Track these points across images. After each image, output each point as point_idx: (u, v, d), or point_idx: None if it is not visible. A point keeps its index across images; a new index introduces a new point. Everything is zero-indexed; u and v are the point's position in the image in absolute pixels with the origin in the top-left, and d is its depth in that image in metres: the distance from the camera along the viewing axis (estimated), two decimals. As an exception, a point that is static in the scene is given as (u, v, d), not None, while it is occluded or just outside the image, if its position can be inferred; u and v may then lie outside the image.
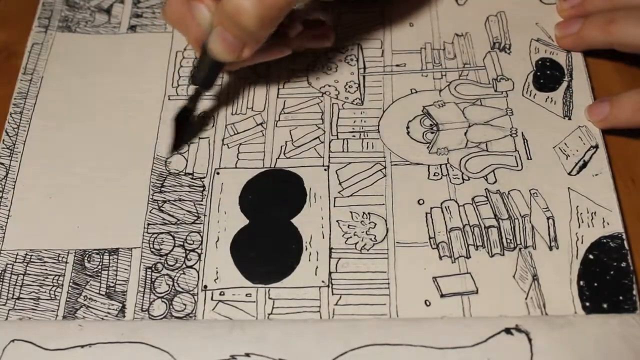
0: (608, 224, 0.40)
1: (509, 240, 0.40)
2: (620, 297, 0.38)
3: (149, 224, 0.42)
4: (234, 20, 0.39)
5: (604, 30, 0.44)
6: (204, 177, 0.44)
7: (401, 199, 0.42)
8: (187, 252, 0.41)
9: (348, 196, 0.42)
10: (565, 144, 0.43)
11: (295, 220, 0.42)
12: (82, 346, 0.38)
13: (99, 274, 0.41)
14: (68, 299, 0.40)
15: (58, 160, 0.45)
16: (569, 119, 0.44)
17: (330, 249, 0.41)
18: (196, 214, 0.42)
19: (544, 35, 0.48)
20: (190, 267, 0.41)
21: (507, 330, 0.37)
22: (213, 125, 0.46)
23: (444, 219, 0.41)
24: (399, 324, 0.38)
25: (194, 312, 0.39)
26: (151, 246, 0.41)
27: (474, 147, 0.44)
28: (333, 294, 0.39)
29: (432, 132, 0.45)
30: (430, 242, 0.40)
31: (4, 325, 0.39)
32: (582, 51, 0.47)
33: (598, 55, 0.47)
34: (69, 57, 0.50)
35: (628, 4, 0.45)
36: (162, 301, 0.40)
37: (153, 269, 0.41)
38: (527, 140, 0.44)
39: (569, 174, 0.42)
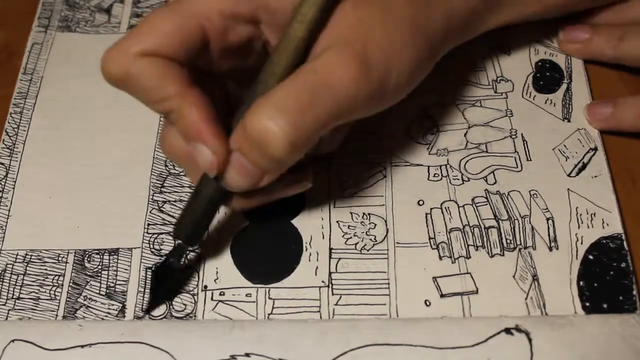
0: (607, 225, 0.40)
1: (508, 241, 0.40)
2: (620, 297, 0.38)
3: (149, 224, 0.42)
4: (258, 146, 0.32)
5: (614, 47, 0.44)
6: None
7: (401, 199, 0.42)
8: (188, 252, 0.41)
9: (348, 197, 0.42)
10: (565, 146, 0.43)
11: (295, 221, 0.42)
12: (82, 346, 0.38)
13: (99, 274, 0.41)
14: (68, 299, 0.40)
15: (58, 160, 0.45)
16: (569, 121, 0.44)
17: (330, 249, 0.41)
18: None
19: (543, 37, 0.48)
20: (191, 267, 0.41)
21: (507, 330, 0.37)
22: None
23: (444, 219, 0.41)
24: (399, 324, 0.38)
25: (194, 312, 0.39)
26: (151, 246, 0.41)
27: (474, 148, 0.44)
28: (333, 294, 0.39)
29: (431, 133, 0.45)
30: (430, 242, 0.41)
31: (4, 325, 0.39)
32: (584, 59, 0.47)
33: (598, 58, 0.47)
34: (69, 57, 0.50)
35: (638, 19, 0.45)
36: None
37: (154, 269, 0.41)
38: (526, 142, 0.44)
39: (569, 175, 0.42)
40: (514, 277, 0.39)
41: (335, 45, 0.33)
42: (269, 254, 0.41)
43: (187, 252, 0.41)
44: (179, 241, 0.39)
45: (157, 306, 0.39)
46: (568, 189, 0.42)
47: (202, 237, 0.39)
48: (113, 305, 0.40)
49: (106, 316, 0.39)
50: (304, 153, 0.34)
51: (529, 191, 0.42)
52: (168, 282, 0.40)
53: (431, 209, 0.42)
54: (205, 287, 0.40)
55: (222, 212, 0.42)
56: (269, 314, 0.39)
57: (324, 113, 0.32)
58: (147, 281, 0.40)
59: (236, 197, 0.37)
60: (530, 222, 0.41)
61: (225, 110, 0.36)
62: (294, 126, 0.31)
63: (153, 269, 0.40)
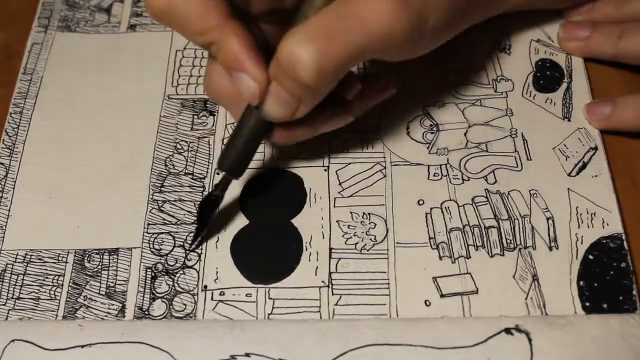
0: (608, 224, 0.40)
1: (508, 241, 0.40)
2: (620, 297, 0.38)
3: (149, 224, 0.42)
4: (290, 73, 0.34)
5: (614, 44, 0.44)
6: (204, 177, 0.44)
7: (401, 199, 0.42)
8: (187, 252, 0.41)
9: (348, 196, 0.42)
10: (565, 145, 0.43)
11: (295, 221, 0.42)
12: (82, 346, 0.38)
13: (99, 274, 0.41)
14: (68, 299, 0.40)
15: (58, 160, 0.45)
16: (569, 120, 0.44)
17: (330, 249, 0.41)
18: (196, 214, 0.42)
19: (543, 36, 0.48)
20: (190, 267, 0.41)
21: (507, 330, 0.37)
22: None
23: (444, 219, 0.41)
24: (399, 324, 0.38)
25: (194, 312, 0.39)
26: (151, 246, 0.41)
27: (474, 148, 0.44)
28: (333, 294, 0.39)
29: (432, 133, 0.45)
30: (430, 242, 0.41)
31: (4, 325, 0.39)
32: (584, 58, 0.47)
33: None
34: (69, 56, 0.50)
35: (638, 15, 0.45)
36: (162, 301, 0.40)
37: (154, 269, 0.41)
38: (526, 141, 0.44)
39: (569, 175, 0.42)
40: (514, 277, 0.39)
41: None
42: (269, 254, 0.41)
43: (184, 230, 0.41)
44: (223, 173, 0.40)
45: (204, 241, 0.41)
46: (568, 188, 0.42)
47: (246, 169, 0.40)
48: (113, 305, 0.40)
49: (106, 316, 0.39)
50: (335, 82, 0.35)
51: (529, 191, 0.42)
52: (212, 215, 0.41)
53: (431, 208, 0.42)
54: (205, 287, 0.40)
55: (221, 212, 0.42)
56: (269, 314, 0.39)
57: (354, 43, 0.33)
58: (147, 281, 0.40)
59: (278, 130, 0.39)
60: (530, 222, 0.41)
61: (265, 57, 0.36)
62: (322, 53, 0.33)
63: (199, 203, 0.42)
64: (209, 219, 0.41)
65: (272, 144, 0.42)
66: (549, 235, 0.40)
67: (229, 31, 0.35)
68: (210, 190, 0.41)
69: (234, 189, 0.43)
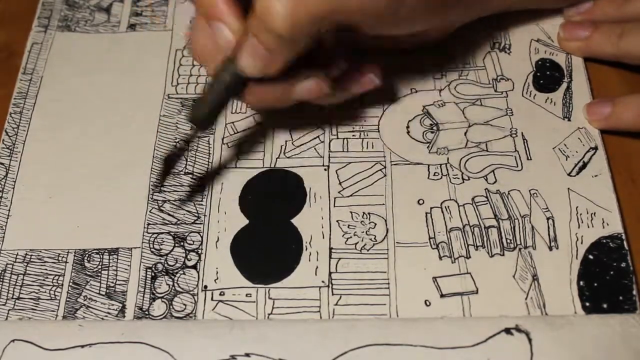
0: (608, 224, 0.40)
1: (508, 241, 0.40)
2: (620, 297, 0.38)
3: (149, 224, 0.42)
4: (264, 23, 0.35)
5: (614, 44, 0.44)
6: (204, 177, 0.44)
7: (401, 199, 0.42)
8: (187, 252, 0.41)
9: (348, 196, 0.42)
10: (565, 145, 0.43)
11: (295, 220, 0.42)
12: (82, 346, 0.38)
13: (99, 274, 0.41)
14: (68, 299, 0.40)
15: (58, 160, 0.45)
16: (569, 120, 0.44)
17: (330, 249, 0.41)
18: (196, 214, 0.42)
19: (544, 35, 0.48)
20: (191, 267, 0.41)
21: (507, 330, 0.37)
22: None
23: (444, 219, 0.41)
24: (399, 324, 0.38)
25: (194, 312, 0.39)
26: (151, 246, 0.41)
27: (474, 147, 0.44)
28: (333, 294, 0.39)
29: (432, 132, 0.45)
30: (430, 242, 0.40)
31: (4, 325, 0.39)
32: (584, 57, 0.47)
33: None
34: (69, 56, 0.50)
35: (638, 15, 0.45)
36: (162, 301, 0.40)
37: (154, 269, 0.41)
38: (527, 141, 0.44)
39: (569, 174, 0.42)
40: (514, 277, 0.39)
41: None
42: (269, 254, 0.41)
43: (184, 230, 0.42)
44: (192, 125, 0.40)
45: (163, 182, 0.43)
46: (568, 188, 0.42)
47: (214, 123, 0.41)
48: (113, 305, 0.40)
49: (106, 316, 0.39)
50: (309, 37, 0.36)
51: (529, 190, 0.42)
52: (176, 164, 0.43)
53: (431, 208, 0.42)
54: (205, 287, 0.40)
55: (222, 212, 0.42)
56: (269, 314, 0.39)
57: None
58: (147, 281, 0.40)
59: (251, 89, 0.39)
60: (530, 222, 0.41)
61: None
62: (296, 3, 0.34)
63: (165, 154, 0.43)
64: (170, 169, 0.43)
65: (246, 104, 0.43)
66: (549, 235, 0.40)
67: None
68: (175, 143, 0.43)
69: (234, 189, 0.43)
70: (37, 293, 0.40)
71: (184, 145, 0.42)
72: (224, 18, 0.37)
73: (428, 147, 0.44)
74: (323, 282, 0.40)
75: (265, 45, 0.36)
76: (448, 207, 0.42)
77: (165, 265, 0.41)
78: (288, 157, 0.44)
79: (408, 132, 0.45)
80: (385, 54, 0.45)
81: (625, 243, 0.39)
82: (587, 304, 0.38)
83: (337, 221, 0.42)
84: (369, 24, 0.37)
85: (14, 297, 0.40)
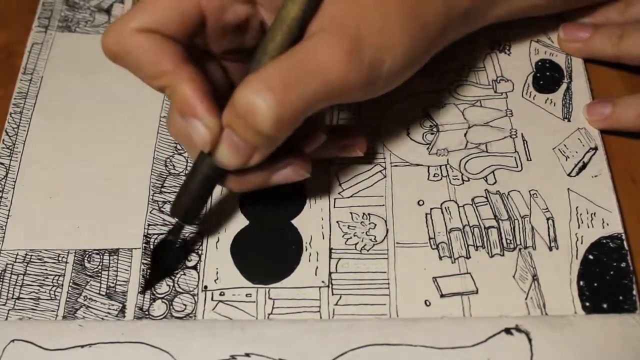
0: (608, 224, 0.40)
1: (508, 241, 0.40)
2: (620, 297, 0.38)
3: (149, 225, 0.42)
4: (246, 121, 0.33)
5: (614, 45, 0.44)
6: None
7: (401, 199, 0.42)
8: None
9: (348, 197, 0.42)
10: (565, 146, 0.43)
11: (295, 221, 0.42)
12: (82, 346, 0.38)
13: (99, 274, 0.41)
14: (68, 299, 0.40)
15: (58, 160, 0.45)
16: (569, 120, 0.44)
17: (330, 249, 0.41)
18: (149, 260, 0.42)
19: (544, 36, 0.48)
20: (191, 267, 0.41)
21: (507, 330, 0.37)
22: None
23: (444, 219, 0.41)
24: (399, 324, 0.38)
25: (194, 312, 0.39)
26: (151, 247, 0.41)
27: (474, 148, 0.44)
28: (333, 294, 0.39)
29: (431, 133, 0.45)
30: (430, 242, 0.41)
31: (4, 325, 0.39)
32: (584, 58, 0.47)
33: (598, 57, 0.47)
34: (69, 57, 0.50)
35: (638, 16, 0.45)
36: (163, 301, 0.40)
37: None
38: (526, 142, 0.44)
39: (569, 175, 0.42)
40: (514, 277, 0.39)
41: (327, 28, 0.34)
42: (269, 254, 0.41)
43: (185, 231, 0.41)
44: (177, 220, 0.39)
45: (154, 284, 0.40)
46: (568, 188, 0.42)
47: (199, 215, 0.40)
48: (113, 305, 0.40)
49: (106, 316, 0.39)
50: (291, 130, 0.34)
51: (529, 191, 0.42)
52: (166, 260, 0.40)
53: (431, 209, 0.42)
54: (205, 287, 0.40)
55: (221, 212, 0.42)
56: (269, 314, 0.39)
57: (310, 93, 0.33)
58: (146, 281, 0.40)
59: (232, 177, 0.38)
60: (530, 222, 0.41)
61: (229, 93, 0.36)
62: (280, 102, 0.32)
63: (151, 248, 0.41)
64: (161, 263, 0.40)
65: (227, 188, 0.41)
66: (549, 235, 0.40)
67: (182, 76, 0.34)
68: (163, 237, 0.41)
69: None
70: (37, 293, 0.40)
71: (172, 239, 0.40)
72: (199, 114, 0.34)
73: (428, 148, 0.44)
74: (323, 282, 0.40)
75: (246, 142, 0.34)
76: (448, 207, 0.42)
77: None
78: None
79: (408, 134, 0.45)
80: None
81: (625, 243, 0.39)
82: (587, 304, 0.38)
83: (337, 222, 0.42)
84: (352, 99, 0.36)
85: (14, 297, 0.40)
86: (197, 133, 0.35)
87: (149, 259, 0.41)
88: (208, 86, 0.35)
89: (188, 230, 0.42)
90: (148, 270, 0.40)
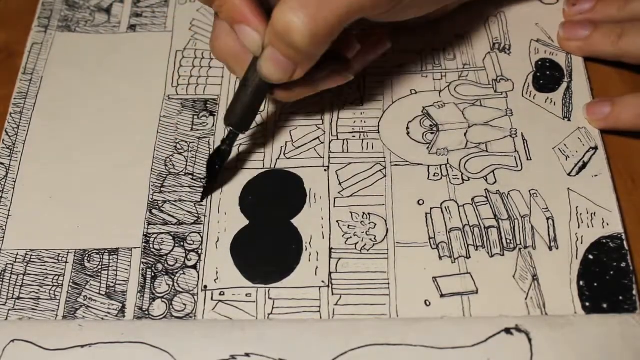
0: (608, 224, 0.40)
1: (508, 241, 0.40)
2: (620, 297, 0.38)
3: (149, 224, 0.42)
4: (284, 39, 0.36)
5: (614, 43, 0.44)
6: (204, 178, 0.44)
7: (401, 199, 0.42)
8: (187, 252, 0.41)
9: (348, 196, 0.42)
10: (565, 145, 0.43)
11: (295, 221, 0.42)
12: (82, 346, 0.38)
13: (99, 274, 0.41)
14: (68, 299, 0.40)
15: (58, 160, 0.45)
16: (569, 120, 0.44)
17: (330, 249, 0.41)
18: (196, 215, 0.42)
19: (544, 35, 0.48)
20: (191, 267, 0.41)
21: (507, 330, 0.37)
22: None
23: (444, 219, 0.41)
24: (399, 324, 0.38)
25: (194, 312, 0.39)
26: (151, 246, 0.41)
27: (474, 148, 0.44)
28: (333, 294, 0.39)
29: (432, 133, 0.45)
30: (430, 242, 0.40)
31: (4, 325, 0.39)
32: (584, 57, 0.47)
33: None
34: (69, 56, 0.50)
35: (639, 15, 0.45)
36: (162, 301, 0.40)
37: (154, 269, 0.41)
38: (526, 141, 0.44)
39: (569, 174, 0.42)
40: (514, 277, 0.39)
41: None
42: (269, 254, 0.41)
43: (185, 231, 0.41)
44: (231, 128, 0.42)
45: (212, 192, 0.43)
46: (568, 188, 0.42)
47: (252, 123, 0.42)
48: (113, 305, 0.40)
49: (106, 316, 0.39)
50: (328, 44, 0.37)
51: (529, 191, 0.42)
52: (221, 168, 0.43)
53: (431, 208, 0.42)
54: (205, 287, 0.40)
55: (222, 213, 0.42)
56: (269, 314, 0.39)
57: (343, 6, 0.36)
58: (147, 282, 0.40)
59: (280, 88, 0.41)
60: (530, 222, 0.41)
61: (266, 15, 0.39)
62: (314, 18, 0.35)
63: (208, 158, 0.43)
64: (217, 172, 0.43)
65: (275, 100, 0.44)
66: (549, 235, 0.40)
67: None
68: (217, 145, 0.43)
69: (235, 190, 0.43)
70: (37, 293, 0.40)
71: (226, 147, 0.42)
72: (249, 19, 0.37)
73: (428, 147, 0.44)
74: (323, 282, 0.40)
75: (287, 57, 0.37)
76: (448, 207, 0.42)
77: (165, 265, 0.41)
78: (288, 158, 0.44)
79: (408, 133, 0.45)
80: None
81: (625, 243, 0.39)
82: (587, 304, 0.38)
83: (337, 221, 0.42)
84: (381, 15, 0.39)
85: (14, 297, 0.40)
86: (248, 37, 0.38)
87: (205, 170, 0.43)
88: None
89: (187, 230, 0.42)
90: (205, 180, 0.43)
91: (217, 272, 0.40)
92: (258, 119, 0.46)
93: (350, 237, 0.41)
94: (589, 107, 0.44)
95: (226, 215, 0.42)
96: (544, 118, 0.45)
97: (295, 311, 0.39)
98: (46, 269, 0.41)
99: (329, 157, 0.44)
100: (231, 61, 0.42)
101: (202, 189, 0.43)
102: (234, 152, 0.44)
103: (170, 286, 0.40)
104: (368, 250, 0.40)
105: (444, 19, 0.48)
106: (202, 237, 0.41)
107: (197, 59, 0.49)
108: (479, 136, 0.44)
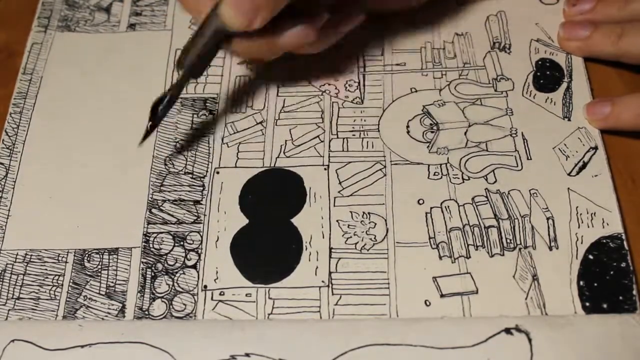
0: (608, 224, 0.40)
1: (508, 240, 0.40)
2: (620, 297, 0.38)
3: (148, 224, 0.42)
4: None
5: (614, 43, 0.44)
6: (203, 177, 0.44)
7: (401, 198, 0.42)
8: (187, 252, 0.41)
9: (348, 196, 0.42)
10: (565, 145, 0.43)
11: (295, 220, 0.42)
12: (82, 346, 0.38)
13: (99, 274, 0.41)
14: (68, 299, 0.40)
15: (58, 160, 0.45)
16: (569, 120, 0.44)
17: (330, 248, 0.41)
18: (196, 214, 0.42)
19: (544, 35, 0.48)
20: (190, 267, 0.41)
21: (507, 330, 0.37)
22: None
23: (444, 218, 0.41)
24: (399, 324, 0.38)
25: (194, 312, 0.39)
26: (151, 246, 0.41)
27: (474, 147, 0.44)
28: (333, 294, 0.39)
29: (432, 132, 0.45)
30: (430, 242, 0.40)
31: (4, 325, 0.39)
32: (584, 57, 0.47)
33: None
34: (69, 56, 0.50)
35: (639, 15, 0.45)
36: (162, 301, 0.40)
37: (154, 268, 0.41)
38: (527, 141, 0.44)
39: (569, 174, 0.42)
40: (514, 277, 0.39)
41: None
42: (269, 253, 0.41)
43: (185, 230, 0.41)
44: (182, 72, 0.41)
45: (148, 136, 0.43)
46: (568, 188, 0.42)
47: (204, 70, 0.42)
48: (113, 305, 0.40)
49: (106, 316, 0.39)
50: None
51: (529, 190, 0.42)
52: (165, 113, 0.42)
53: (431, 208, 0.42)
54: (205, 287, 0.40)
55: (222, 212, 0.42)
56: (269, 314, 0.39)
57: None
58: (147, 281, 0.40)
59: (238, 39, 0.40)
60: (530, 222, 0.41)
61: None
62: None
63: (154, 102, 0.42)
64: (161, 117, 0.43)
65: (232, 54, 0.43)
66: (549, 235, 0.40)
67: None
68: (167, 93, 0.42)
69: (234, 189, 0.43)
70: (37, 293, 0.40)
71: (174, 92, 0.42)
72: None
73: (428, 146, 0.44)
74: (323, 282, 0.40)
75: (250, 1, 0.37)
76: (448, 206, 0.42)
77: (165, 264, 0.41)
78: (288, 157, 0.44)
79: (408, 132, 0.45)
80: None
81: (625, 243, 0.39)
82: (587, 304, 0.38)
83: (337, 221, 0.42)
84: None
85: (14, 297, 0.40)
86: None
87: (150, 113, 0.42)
88: None
89: (187, 229, 0.42)
90: (149, 124, 0.42)
91: (217, 272, 0.40)
92: (258, 117, 0.46)
93: (350, 237, 0.41)
94: (589, 107, 0.44)
95: (226, 214, 0.42)
96: (544, 118, 0.44)
97: (295, 311, 0.39)
98: (46, 269, 0.41)
99: (329, 156, 0.44)
100: (198, 13, 0.41)
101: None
102: (234, 150, 0.44)
103: (170, 286, 0.40)
104: (368, 250, 0.40)
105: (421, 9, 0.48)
106: (201, 237, 0.41)
107: (190, 39, 0.49)
108: (479, 135, 0.44)
